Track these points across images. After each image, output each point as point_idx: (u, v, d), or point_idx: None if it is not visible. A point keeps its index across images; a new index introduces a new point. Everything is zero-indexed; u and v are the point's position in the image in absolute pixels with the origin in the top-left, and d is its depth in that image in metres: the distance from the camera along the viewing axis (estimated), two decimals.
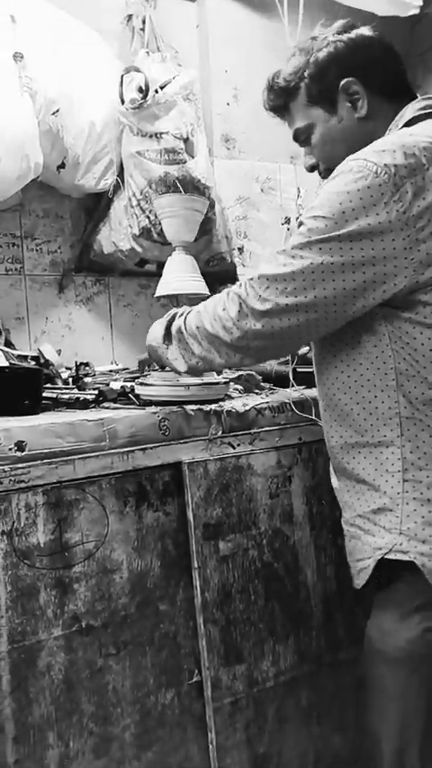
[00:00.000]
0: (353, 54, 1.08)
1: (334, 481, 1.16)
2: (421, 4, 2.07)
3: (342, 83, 1.07)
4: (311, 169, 1.19)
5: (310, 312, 0.99)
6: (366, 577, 1.06)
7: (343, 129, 1.11)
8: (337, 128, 1.11)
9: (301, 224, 0.99)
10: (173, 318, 1.19)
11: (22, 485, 1.07)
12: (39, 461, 1.10)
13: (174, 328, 1.17)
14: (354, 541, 1.09)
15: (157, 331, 1.22)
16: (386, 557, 1.03)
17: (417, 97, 1.09)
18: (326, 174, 1.15)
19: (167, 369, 1.27)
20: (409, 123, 1.04)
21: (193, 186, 1.72)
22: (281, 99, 1.16)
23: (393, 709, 1.06)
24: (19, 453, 1.08)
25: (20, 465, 1.08)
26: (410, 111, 1.05)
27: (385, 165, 0.92)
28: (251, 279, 1.03)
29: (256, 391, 1.54)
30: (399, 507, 1.02)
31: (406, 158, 0.92)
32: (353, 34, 1.09)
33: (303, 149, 1.19)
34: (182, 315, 1.18)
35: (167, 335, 1.19)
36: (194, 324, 1.12)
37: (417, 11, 2.08)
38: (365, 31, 1.10)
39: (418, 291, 0.96)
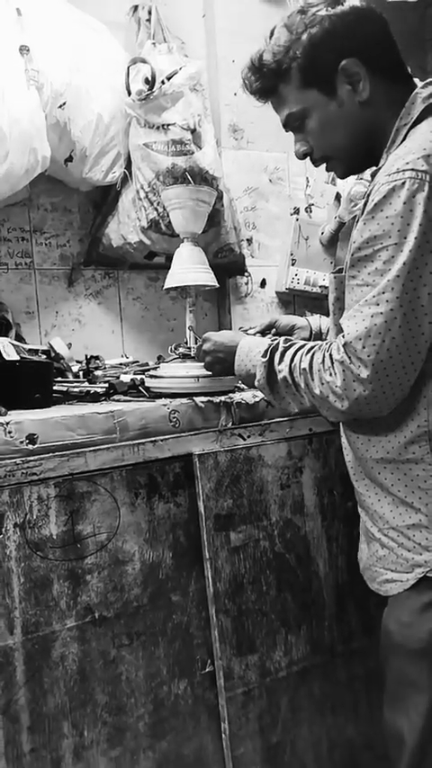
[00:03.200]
0: (350, 30, 0.98)
1: (357, 485, 1.12)
2: None
3: (342, 63, 0.98)
4: (304, 156, 1.10)
5: (410, 349, 0.94)
6: (400, 591, 1.05)
7: (343, 114, 1.02)
8: (337, 113, 1.02)
9: (365, 258, 0.94)
10: (272, 360, 1.09)
11: (34, 477, 1.08)
12: (50, 454, 1.10)
13: (280, 376, 1.08)
14: (386, 551, 1.08)
15: (254, 367, 1.13)
16: (428, 574, 1.02)
17: (412, 80, 1.03)
18: (320, 162, 1.10)
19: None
20: (421, 115, 0.98)
21: (201, 177, 1.71)
22: (270, 81, 1.04)
23: (418, 702, 1.05)
24: (30, 446, 1.09)
25: (32, 458, 1.08)
26: (420, 100, 0.99)
27: (424, 170, 0.89)
28: (345, 344, 0.97)
29: None
30: None
31: None
32: (346, 7, 0.99)
33: (298, 139, 1.10)
34: (282, 358, 1.08)
35: (274, 382, 1.09)
36: (303, 382, 1.04)
37: None
38: (357, 2, 0.99)
39: None
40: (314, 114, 1.03)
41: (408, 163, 0.90)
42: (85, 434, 1.15)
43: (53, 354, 1.61)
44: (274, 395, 1.11)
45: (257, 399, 1.35)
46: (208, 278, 1.45)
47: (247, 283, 2.04)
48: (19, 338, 1.67)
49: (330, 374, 0.99)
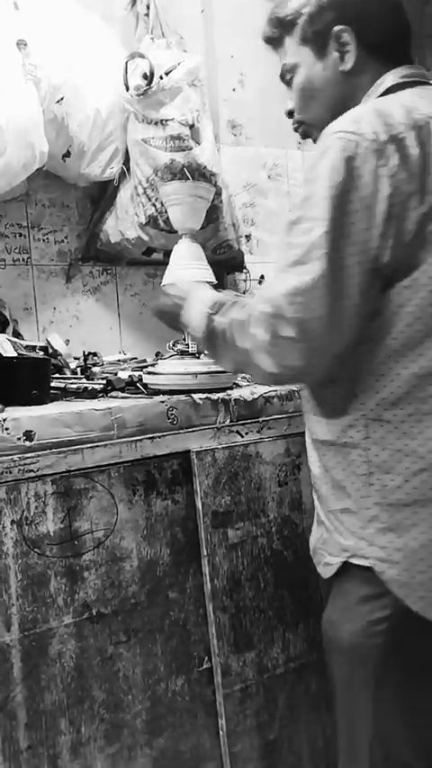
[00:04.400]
0: (356, 5, 1.00)
1: (311, 466, 1.11)
2: None
3: (335, 29, 1.00)
4: (290, 115, 1.11)
5: (342, 320, 0.91)
6: (331, 574, 1.04)
7: (324, 77, 1.04)
8: (319, 75, 1.04)
9: (296, 220, 0.92)
10: (212, 318, 1.06)
11: (31, 474, 1.08)
12: (47, 451, 1.10)
13: (219, 328, 1.04)
14: (327, 534, 1.06)
15: (196, 327, 1.09)
16: (350, 560, 1.00)
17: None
18: (297, 125, 1.11)
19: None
20: (388, 92, 0.98)
21: (199, 173, 1.71)
22: (278, 30, 1.08)
23: (343, 701, 1.05)
24: (28, 443, 1.09)
25: (29, 454, 1.08)
26: (391, 78, 0.99)
27: (363, 132, 0.88)
28: (276, 297, 0.94)
29: None
30: (362, 511, 0.98)
31: (385, 125, 0.88)
32: None
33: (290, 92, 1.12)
34: (223, 322, 1.05)
35: (209, 340, 1.07)
36: (236, 335, 1.01)
37: None
38: None
39: (401, 278, 0.90)
40: (301, 71, 1.06)
41: (339, 127, 0.90)
42: (83, 431, 1.14)
43: (51, 351, 1.60)
44: (210, 349, 1.08)
45: (256, 396, 1.34)
46: (206, 274, 1.44)
47: (245, 280, 2.04)
48: (16, 334, 1.67)
49: (257, 328, 0.95)
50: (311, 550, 1.15)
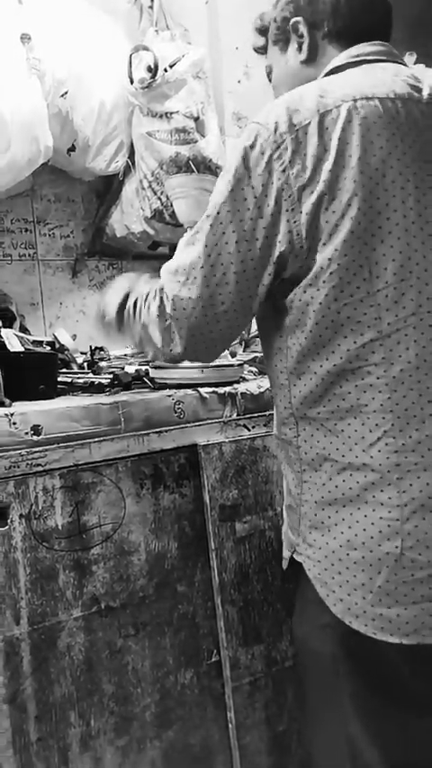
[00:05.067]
0: None
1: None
2: None
3: (291, 21, 1.02)
4: None
5: (216, 304, 0.91)
6: (285, 566, 1.04)
7: (286, 70, 1.05)
8: (283, 68, 1.06)
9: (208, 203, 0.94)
10: (126, 299, 1.08)
11: (39, 468, 1.08)
12: (55, 445, 1.10)
13: (129, 303, 1.06)
14: (285, 528, 1.06)
15: (111, 304, 1.10)
16: (293, 555, 1.00)
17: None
18: None
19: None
20: (332, 73, 0.96)
21: (204, 166, 1.70)
22: (260, 40, 1.12)
23: (309, 698, 1.05)
24: (35, 437, 1.09)
25: (36, 449, 1.08)
26: (341, 58, 0.97)
27: (266, 122, 0.87)
28: (162, 273, 0.97)
29: None
30: (298, 507, 0.98)
31: (290, 111, 0.86)
32: None
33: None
34: (133, 297, 1.06)
35: (119, 317, 1.08)
36: (137, 314, 1.03)
37: None
38: None
39: (306, 278, 0.88)
40: (274, 70, 1.09)
41: (256, 117, 0.91)
42: (90, 425, 1.15)
43: (57, 346, 1.60)
44: (120, 325, 1.08)
45: (262, 390, 1.34)
46: None
47: None
48: (23, 330, 1.67)
49: (151, 307, 0.98)
50: None
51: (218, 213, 0.89)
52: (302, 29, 1.01)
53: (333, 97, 0.86)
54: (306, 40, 1.01)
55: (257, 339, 1.81)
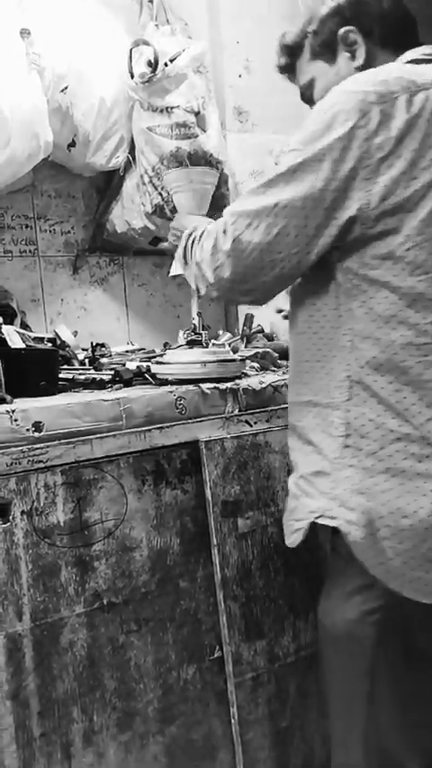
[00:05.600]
0: (353, 7, 1.07)
1: (288, 441, 1.14)
2: None
3: (340, 32, 1.06)
4: None
5: (273, 252, 0.97)
6: (299, 539, 1.04)
7: (339, 80, 1.05)
8: (334, 79, 1.07)
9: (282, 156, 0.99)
10: (191, 234, 1.16)
11: (41, 465, 1.08)
12: (56, 441, 1.10)
13: (186, 248, 1.15)
14: (295, 501, 1.07)
15: (180, 245, 1.18)
16: (317, 520, 1.00)
17: None
18: None
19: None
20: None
21: (205, 161, 1.69)
22: (286, 58, 1.17)
23: (338, 690, 1.05)
24: (37, 434, 1.09)
25: (38, 445, 1.08)
26: (410, 54, 1.01)
27: (354, 90, 0.91)
28: (225, 213, 1.02)
29: (273, 369, 1.53)
30: (335, 472, 0.99)
31: (377, 84, 0.90)
32: None
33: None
34: (194, 235, 1.14)
35: (184, 254, 1.17)
36: (193, 249, 1.11)
37: None
38: None
39: (373, 243, 0.93)
40: (318, 82, 1.12)
41: (347, 82, 0.96)
42: (92, 422, 1.14)
43: (59, 342, 1.60)
44: (183, 262, 1.16)
45: (264, 386, 1.34)
46: None
47: None
48: (24, 326, 1.67)
49: (204, 245, 1.04)
50: (284, 530, 1.15)
51: (293, 171, 0.94)
52: (354, 37, 1.06)
53: (422, 80, 0.91)
54: (361, 47, 1.06)
55: (259, 335, 1.81)
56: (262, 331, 1.84)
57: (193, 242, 1.13)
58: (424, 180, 0.89)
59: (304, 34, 1.12)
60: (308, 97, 1.17)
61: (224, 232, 1.00)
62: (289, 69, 1.19)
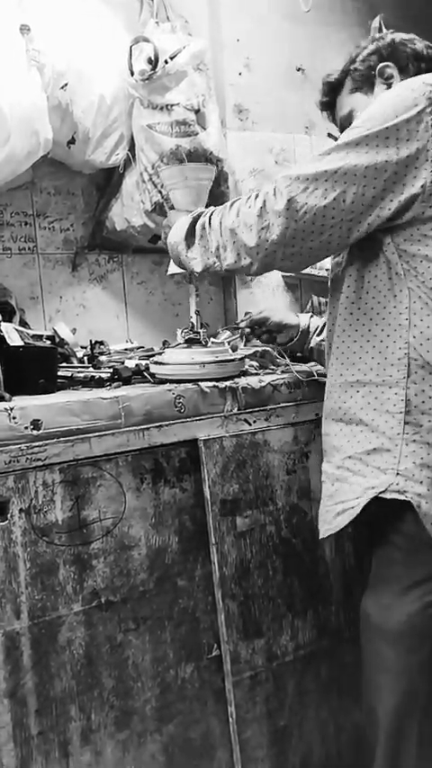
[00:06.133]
0: (390, 47, 1.21)
1: (324, 428, 1.16)
2: None
3: (379, 66, 1.20)
4: None
5: (327, 217, 0.99)
6: (349, 519, 1.05)
7: None
8: None
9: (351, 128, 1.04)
10: (199, 216, 1.18)
11: (39, 463, 1.08)
12: (55, 439, 1.10)
13: (198, 225, 1.16)
14: (338, 484, 1.08)
15: (180, 228, 1.20)
16: (382, 495, 1.02)
17: None
18: None
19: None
20: None
21: (205, 159, 1.68)
22: (328, 96, 1.30)
23: (392, 688, 1.06)
24: (35, 432, 1.09)
25: (36, 443, 1.08)
26: None
27: (423, 83, 0.99)
28: (279, 178, 1.04)
29: (272, 367, 1.52)
30: (397, 447, 1.01)
31: None
32: (392, 35, 1.23)
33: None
34: (210, 210, 1.17)
35: (191, 233, 1.18)
36: (218, 218, 1.12)
37: None
38: (403, 33, 1.24)
39: (430, 224, 0.98)
40: (357, 113, 1.21)
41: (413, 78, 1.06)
42: (90, 420, 1.14)
43: (57, 340, 1.60)
44: (186, 249, 1.17)
45: (263, 384, 1.34)
46: None
47: None
48: (23, 324, 1.66)
49: (250, 206, 1.06)
50: (319, 519, 1.15)
51: (356, 143, 0.98)
52: (391, 71, 1.19)
53: None
54: (397, 79, 1.19)
55: (254, 335, 1.79)
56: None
57: (211, 216, 1.14)
58: None
59: (346, 72, 1.25)
60: (347, 127, 1.23)
61: (274, 194, 1.02)
62: (330, 106, 1.32)
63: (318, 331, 1.51)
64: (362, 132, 0.98)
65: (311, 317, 1.55)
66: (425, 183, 0.96)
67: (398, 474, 1.01)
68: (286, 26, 2.03)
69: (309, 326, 1.51)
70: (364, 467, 1.04)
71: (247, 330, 1.56)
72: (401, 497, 1.00)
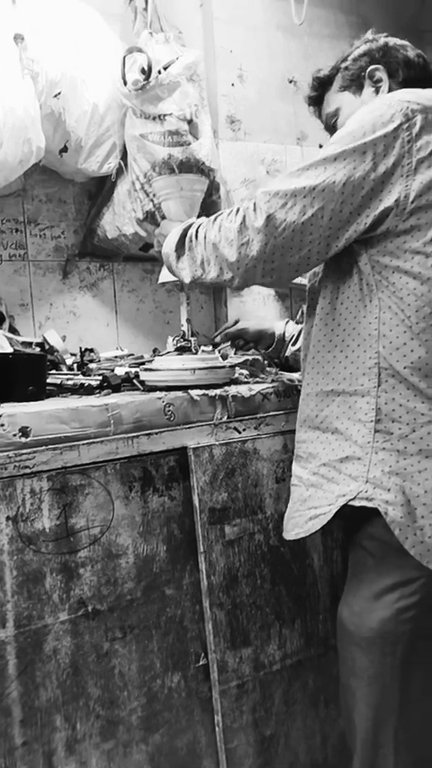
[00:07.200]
0: (382, 51, 1.21)
1: (300, 435, 1.17)
2: None
3: (369, 69, 1.20)
4: None
5: (305, 233, 1.01)
6: (321, 525, 1.06)
7: None
8: (359, 108, 1.16)
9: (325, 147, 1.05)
10: (189, 227, 1.19)
11: (27, 470, 1.07)
12: (43, 447, 1.10)
13: (187, 236, 1.18)
14: (312, 490, 1.09)
15: (172, 238, 1.21)
16: (351, 503, 1.03)
17: None
18: None
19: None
20: None
21: (197, 168, 1.70)
22: (317, 90, 1.30)
23: (367, 692, 1.06)
24: (24, 439, 1.08)
25: (24, 451, 1.08)
26: None
27: (399, 99, 1.00)
28: (258, 193, 1.05)
29: (262, 376, 1.53)
30: (367, 456, 1.03)
31: (420, 98, 1.00)
32: (386, 38, 1.24)
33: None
34: (198, 222, 1.18)
35: (181, 244, 1.19)
36: (203, 232, 1.14)
37: None
38: (397, 39, 1.25)
39: (403, 236, 0.99)
40: (343, 111, 1.24)
41: (386, 95, 1.09)
42: (79, 427, 1.14)
43: (47, 347, 1.60)
44: (180, 251, 1.18)
45: (253, 393, 1.34)
46: None
47: None
48: (13, 330, 1.66)
49: (231, 220, 1.07)
50: (285, 523, 1.16)
51: (334, 158, 0.99)
52: (380, 74, 1.20)
53: None
54: (385, 84, 1.20)
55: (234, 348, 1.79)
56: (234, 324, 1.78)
57: (197, 229, 1.15)
58: None
59: (336, 69, 1.26)
60: (331, 126, 1.27)
61: (254, 210, 1.03)
62: (317, 101, 1.31)
63: (293, 340, 1.53)
64: (339, 148, 0.99)
65: (287, 323, 1.58)
66: (398, 198, 0.98)
67: (367, 482, 1.02)
68: (279, 38, 2.05)
69: (284, 334, 1.55)
70: (338, 474, 1.06)
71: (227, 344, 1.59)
72: (369, 504, 1.02)
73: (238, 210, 1.06)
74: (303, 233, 1.01)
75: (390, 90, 1.18)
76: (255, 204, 1.03)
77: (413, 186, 0.97)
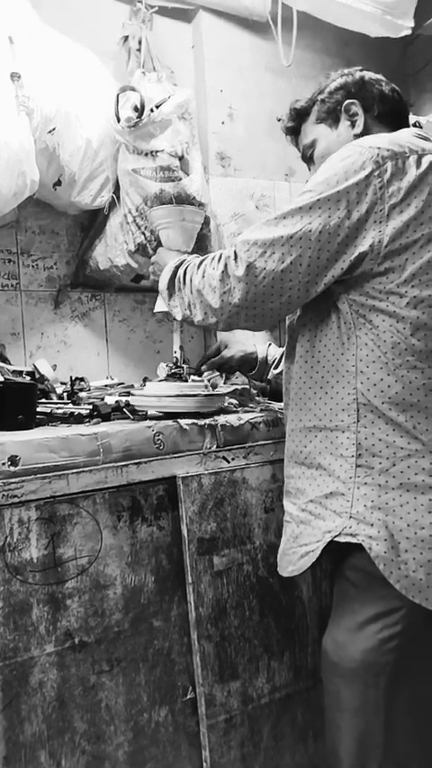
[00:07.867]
0: (358, 85, 1.23)
1: (288, 470, 1.18)
2: (413, 25, 2.11)
3: (345, 103, 1.22)
4: None
5: (285, 280, 1.04)
6: (311, 562, 1.07)
7: (339, 142, 1.19)
8: (335, 141, 1.22)
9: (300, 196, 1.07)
10: (180, 264, 1.23)
11: (15, 500, 1.07)
12: (32, 476, 1.10)
13: (177, 277, 1.21)
14: (302, 526, 1.10)
15: (165, 275, 1.25)
16: (336, 539, 1.04)
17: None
18: None
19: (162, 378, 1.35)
20: None
21: (188, 203, 1.74)
22: (294, 121, 1.32)
23: (350, 725, 1.05)
24: (12, 468, 1.08)
25: (13, 480, 1.08)
26: (407, 131, 1.14)
27: (370, 146, 1.03)
28: (237, 242, 1.08)
29: (252, 405, 1.54)
30: (350, 491, 1.04)
31: (390, 144, 1.03)
32: (361, 72, 1.26)
33: (310, 169, 1.32)
34: (187, 263, 1.21)
35: (172, 284, 1.22)
36: (189, 276, 1.17)
37: (408, 32, 2.11)
38: (372, 73, 1.27)
39: (378, 278, 1.02)
40: (319, 143, 1.27)
41: (356, 141, 1.09)
42: (68, 456, 1.14)
43: (38, 376, 1.60)
44: (169, 298, 1.23)
45: (242, 422, 1.35)
46: None
47: None
48: (3, 359, 1.67)
49: (214, 267, 1.10)
50: (279, 558, 1.16)
51: (309, 207, 1.02)
52: (356, 109, 1.22)
53: (427, 147, 1.06)
54: (361, 118, 1.21)
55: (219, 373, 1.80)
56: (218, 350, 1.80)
57: (185, 271, 1.19)
58: (430, 227, 1.01)
59: (313, 101, 1.27)
60: (308, 157, 1.30)
61: (235, 259, 1.06)
62: (295, 131, 1.33)
63: (275, 363, 1.56)
64: (315, 197, 1.02)
65: (269, 345, 1.61)
66: (373, 243, 1.00)
67: (351, 517, 1.03)
68: (268, 79, 2.12)
69: (267, 356, 1.58)
70: (324, 510, 1.07)
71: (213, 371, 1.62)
72: (354, 540, 1.02)
73: (220, 257, 1.10)
74: (283, 280, 1.04)
75: (365, 124, 1.21)
76: (235, 253, 1.07)
77: (386, 231, 1.00)
